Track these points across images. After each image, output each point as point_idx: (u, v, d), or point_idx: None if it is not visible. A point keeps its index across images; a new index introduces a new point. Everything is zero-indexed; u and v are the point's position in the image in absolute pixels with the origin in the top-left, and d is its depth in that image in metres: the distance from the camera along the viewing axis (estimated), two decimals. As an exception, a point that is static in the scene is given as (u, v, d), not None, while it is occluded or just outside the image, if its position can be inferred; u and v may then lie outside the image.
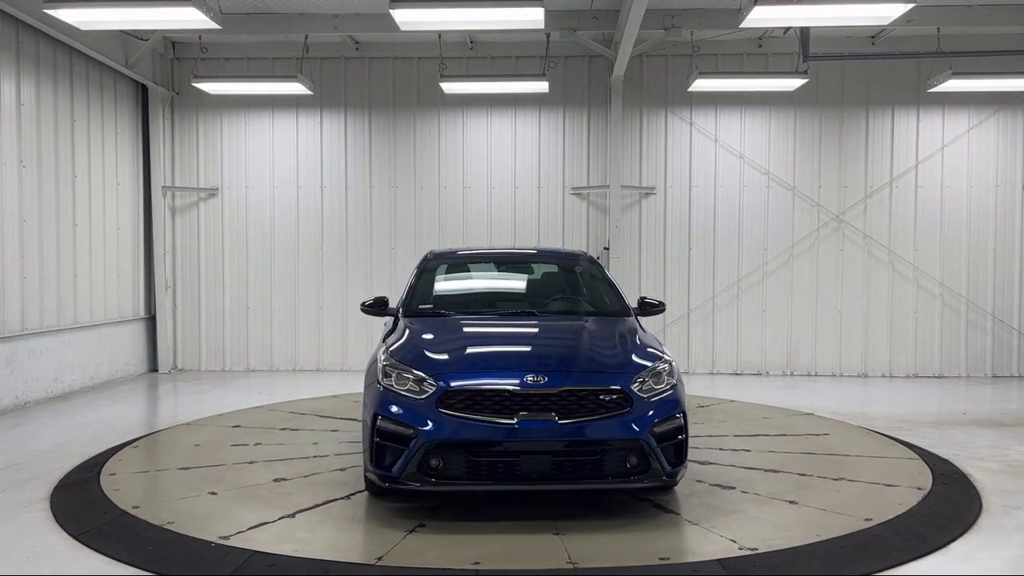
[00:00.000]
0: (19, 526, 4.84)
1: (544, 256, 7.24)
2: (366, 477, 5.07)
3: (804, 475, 5.85)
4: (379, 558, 4.28)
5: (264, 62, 11.20)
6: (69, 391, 9.42)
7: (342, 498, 5.28)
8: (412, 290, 6.17)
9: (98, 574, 4.16)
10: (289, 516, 4.91)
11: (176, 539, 4.54)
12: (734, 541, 4.52)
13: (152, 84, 10.90)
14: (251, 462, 6.17)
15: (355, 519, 4.96)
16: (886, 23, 7.92)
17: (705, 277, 11.17)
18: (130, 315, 10.88)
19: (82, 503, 5.22)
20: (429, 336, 5.38)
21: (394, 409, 4.73)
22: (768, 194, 11.13)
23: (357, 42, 11.03)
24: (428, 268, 6.46)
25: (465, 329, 5.62)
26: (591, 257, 7.06)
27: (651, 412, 4.76)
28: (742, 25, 7.64)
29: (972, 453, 6.65)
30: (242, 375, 11.06)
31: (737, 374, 11.10)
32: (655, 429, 4.72)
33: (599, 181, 11.13)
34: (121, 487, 5.51)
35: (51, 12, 7.18)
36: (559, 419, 4.61)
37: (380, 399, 4.83)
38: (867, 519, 4.85)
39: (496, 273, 6.92)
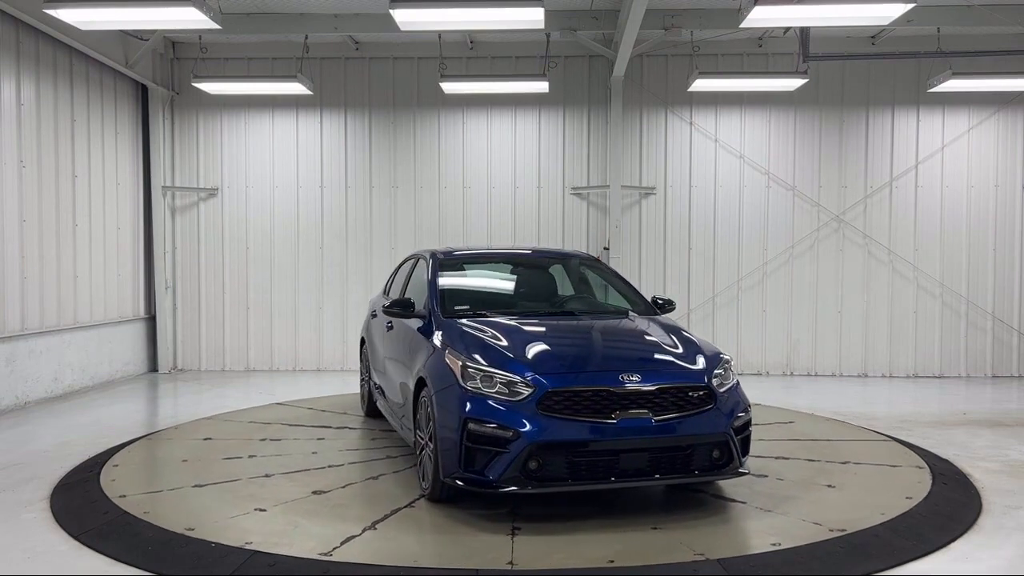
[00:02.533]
0: (19, 526, 4.84)
1: (556, 256, 7.31)
2: (442, 482, 4.90)
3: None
4: (510, 563, 4.20)
5: (264, 62, 11.20)
6: (69, 391, 9.42)
7: (406, 506, 5.10)
8: (438, 291, 5.96)
9: (98, 574, 4.16)
10: (369, 528, 4.69)
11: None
12: (819, 524, 4.78)
13: (152, 84, 10.90)
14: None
15: (441, 527, 4.76)
16: (886, 23, 7.92)
17: (705, 277, 11.18)
18: (130, 315, 10.88)
19: (82, 503, 5.22)
20: (493, 338, 5.22)
21: (487, 412, 4.66)
22: (768, 194, 11.13)
23: (357, 42, 11.03)
24: (444, 268, 6.31)
25: (526, 330, 5.49)
26: (596, 258, 7.17)
27: (730, 407, 5.00)
28: (742, 25, 7.65)
29: (972, 453, 6.66)
30: (242, 375, 11.06)
31: (738, 374, 11.08)
32: (735, 423, 4.95)
33: (599, 181, 11.13)
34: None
35: (51, 12, 7.18)
36: (654, 416, 4.72)
37: (468, 402, 4.74)
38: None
39: (514, 273, 6.86)
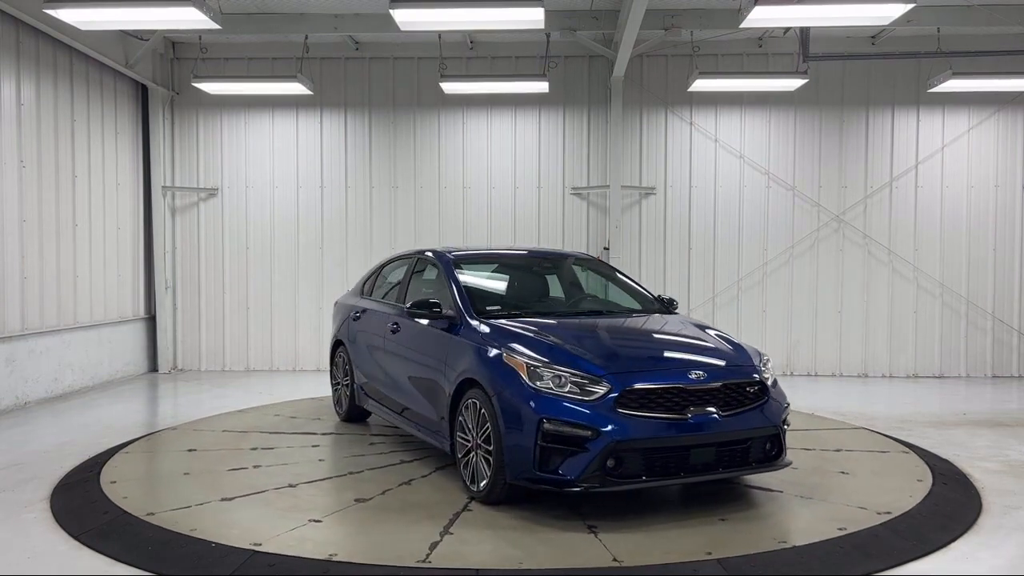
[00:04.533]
0: (19, 526, 4.84)
1: (563, 257, 7.32)
2: (505, 483, 4.89)
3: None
4: (614, 559, 4.22)
5: (264, 62, 11.21)
6: (69, 391, 9.42)
7: (463, 510, 5.02)
8: (463, 291, 5.91)
9: (98, 574, 4.16)
10: (446, 533, 4.60)
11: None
12: (864, 508, 5.06)
13: (152, 84, 10.90)
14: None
15: (518, 528, 4.68)
16: (886, 23, 7.92)
17: (705, 277, 11.17)
18: (130, 315, 10.88)
19: (82, 503, 5.22)
20: (547, 338, 5.21)
21: (564, 412, 4.66)
22: (768, 194, 11.13)
23: (357, 42, 11.03)
24: (459, 268, 6.25)
25: (574, 329, 5.50)
26: (598, 258, 7.22)
27: (778, 400, 5.25)
28: (742, 25, 7.65)
29: (972, 453, 6.66)
30: (242, 375, 11.06)
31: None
32: (784, 416, 5.19)
33: (599, 181, 11.13)
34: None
35: (51, 12, 7.19)
36: (721, 412, 4.86)
37: (541, 403, 4.72)
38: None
39: (528, 273, 6.85)
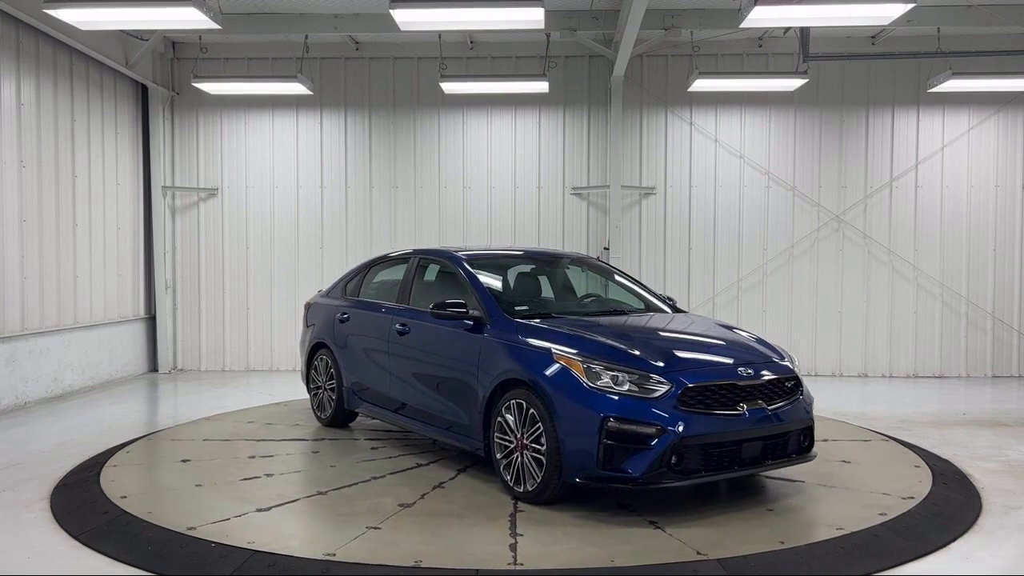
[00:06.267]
0: (19, 526, 4.84)
1: (572, 258, 7.38)
2: (561, 482, 4.91)
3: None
4: (698, 552, 4.31)
5: (264, 62, 11.21)
6: (69, 391, 9.42)
7: (516, 511, 4.98)
8: (486, 292, 5.88)
9: (98, 574, 4.16)
10: (514, 534, 4.56)
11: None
12: (887, 494, 5.34)
13: (152, 84, 10.90)
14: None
15: (582, 526, 4.72)
16: (886, 23, 7.92)
17: (705, 277, 11.18)
18: (130, 315, 10.88)
19: (82, 503, 5.21)
20: (593, 337, 5.23)
21: (628, 410, 4.72)
22: (768, 194, 11.13)
23: (357, 42, 11.03)
24: (476, 268, 6.20)
25: (615, 329, 5.55)
26: (598, 259, 7.30)
27: (808, 394, 5.45)
28: (742, 25, 7.64)
29: (972, 453, 6.66)
30: (242, 375, 11.06)
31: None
32: (813, 409, 5.42)
33: (599, 181, 11.13)
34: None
35: (51, 12, 7.19)
36: (767, 406, 5.02)
37: (604, 401, 4.76)
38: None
39: (539, 274, 6.83)
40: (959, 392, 9.96)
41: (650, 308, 6.54)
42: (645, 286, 6.98)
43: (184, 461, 6.23)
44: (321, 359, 7.49)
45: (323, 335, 7.47)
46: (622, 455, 4.69)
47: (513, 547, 4.40)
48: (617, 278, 7.08)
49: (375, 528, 4.69)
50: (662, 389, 4.79)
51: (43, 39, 8.98)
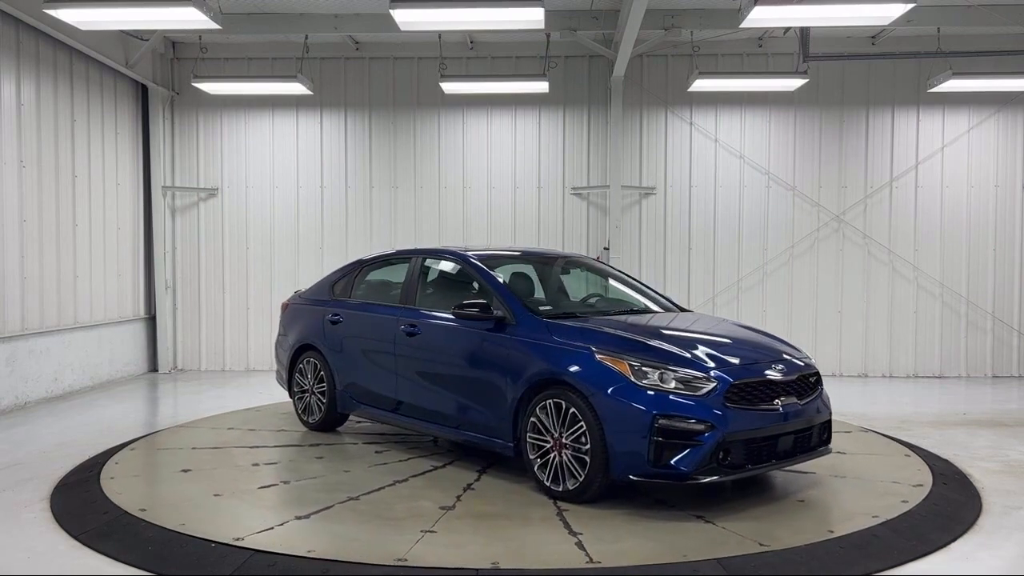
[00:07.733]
0: (19, 526, 4.84)
1: (575, 259, 7.42)
2: (603, 481, 4.96)
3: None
4: (760, 544, 4.40)
5: (264, 62, 11.21)
6: (69, 391, 9.42)
7: (560, 511, 4.97)
8: (508, 291, 5.84)
9: (98, 574, 4.16)
10: (571, 533, 4.55)
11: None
12: (897, 482, 5.64)
13: (152, 84, 10.90)
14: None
15: (637, 522, 4.76)
16: (886, 23, 7.92)
17: (705, 277, 11.18)
18: (130, 315, 10.88)
19: (82, 503, 5.21)
20: (631, 336, 5.30)
21: (679, 408, 4.80)
22: (768, 194, 11.13)
23: (357, 42, 11.03)
24: (491, 268, 6.16)
25: (647, 328, 5.66)
26: (598, 259, 7.34)
27: (825, 389, 5.61)
28: (742, 25, 7.65)
29: (972, 453, 6.66)
30: (242, 375, 11.06)
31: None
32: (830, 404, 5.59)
33: (599, 181, 11.13)
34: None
35: (51, 12, 7.19)
36: (800, 401, 5.19)
37: (654, 400, 4.82)
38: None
39: (548, 274, 6.82)
40: (959, 392, 9.96)
41: (668, 309, 6.59)
42: (647, 287, 7.03)
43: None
44: (308, 362, 7.25)
45: (310, 337, 7.24)
46: (672, 452, 4.76)
47: (580, 545, 4.39)
48: (628, 279, 7.13)
49: (430, 531, 4.61)
50: (709, 387, 4.87)
51: (43, 39, 8.98)
